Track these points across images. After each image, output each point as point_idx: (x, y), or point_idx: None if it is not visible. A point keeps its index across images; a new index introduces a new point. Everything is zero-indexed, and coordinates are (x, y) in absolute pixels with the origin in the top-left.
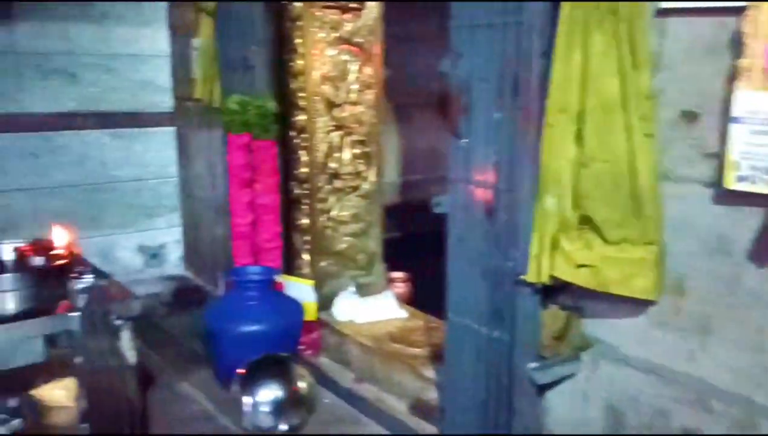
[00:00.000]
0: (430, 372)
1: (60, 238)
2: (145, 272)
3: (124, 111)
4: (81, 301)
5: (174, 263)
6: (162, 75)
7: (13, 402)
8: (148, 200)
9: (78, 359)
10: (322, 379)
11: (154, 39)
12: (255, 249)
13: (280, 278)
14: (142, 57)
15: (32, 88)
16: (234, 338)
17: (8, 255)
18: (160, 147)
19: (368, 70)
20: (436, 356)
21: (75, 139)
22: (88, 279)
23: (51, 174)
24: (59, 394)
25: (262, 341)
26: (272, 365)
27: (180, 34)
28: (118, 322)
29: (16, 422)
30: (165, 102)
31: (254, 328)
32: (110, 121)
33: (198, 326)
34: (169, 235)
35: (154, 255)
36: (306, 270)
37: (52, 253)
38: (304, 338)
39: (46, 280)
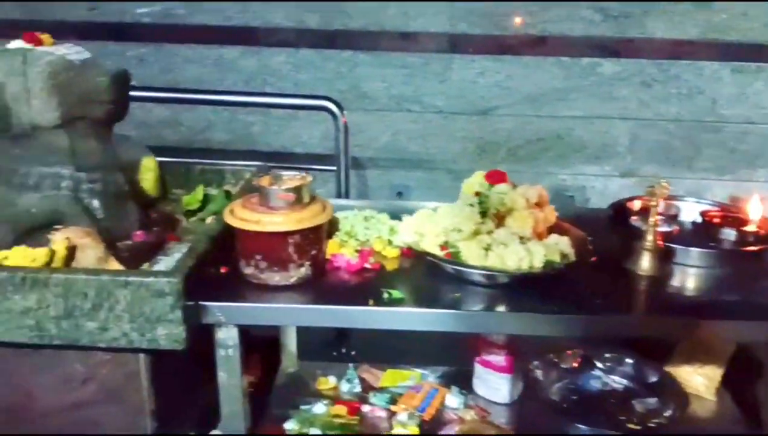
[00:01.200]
0: None
1: (756, 210)
2: None
3: (751, 42)
4: None
5: None
6: None
7: (653, 376)
8: (753, 147)
9: None
10: None
11: None
12: None
13: None
14: None
15: (659, 13)
16: None
17: (689, 216)
18: None
19: None
20: None
21: (689, 70)
22: None
23: (655, 105)
24: (698, 382)
25: None
26: None
27: None
28: None
29: (652, 401)
30: None
31: None
32: (733, 52)
33: None
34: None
35: None
36: None
37: (745, 229)
38: None
39: (735, 262)
